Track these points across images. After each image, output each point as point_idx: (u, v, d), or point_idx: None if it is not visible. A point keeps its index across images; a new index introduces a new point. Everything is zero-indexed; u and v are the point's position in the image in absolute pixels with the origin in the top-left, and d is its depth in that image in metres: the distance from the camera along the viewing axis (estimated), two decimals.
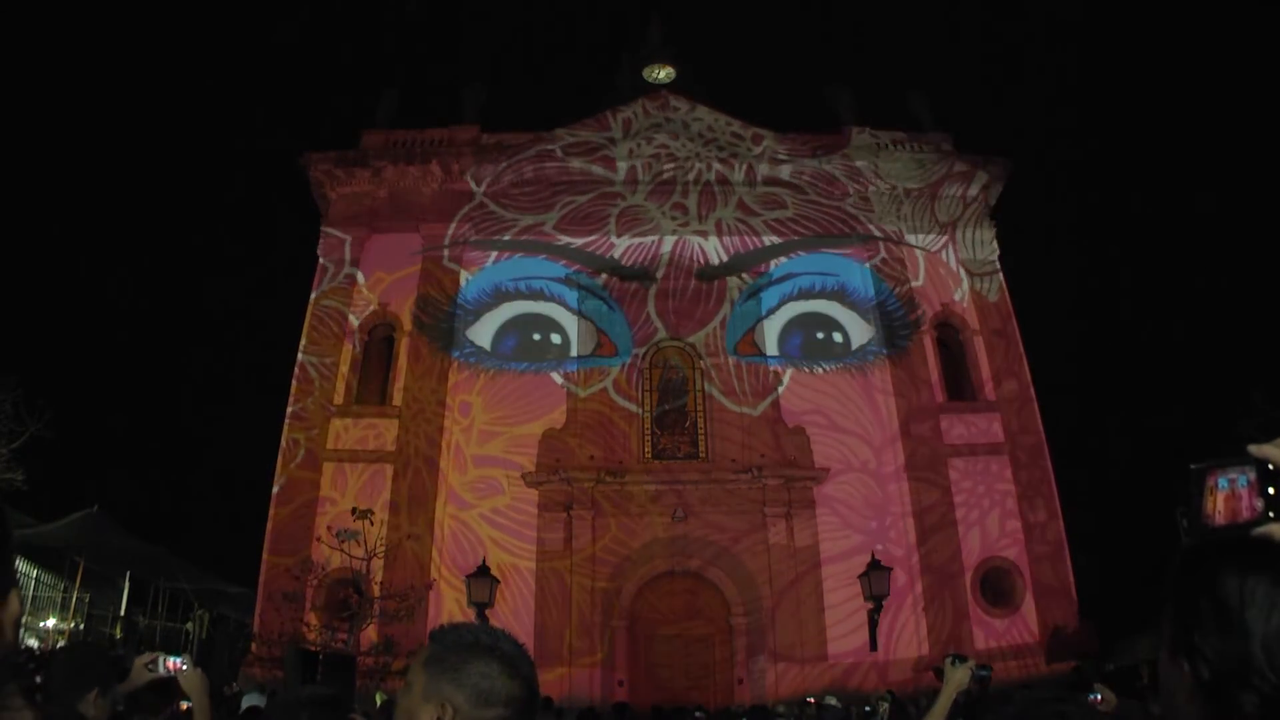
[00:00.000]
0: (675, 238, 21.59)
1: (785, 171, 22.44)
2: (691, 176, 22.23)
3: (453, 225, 21.49)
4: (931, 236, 22.04)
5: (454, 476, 19.24)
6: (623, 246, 21.46)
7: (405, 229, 21.54)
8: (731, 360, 20.35)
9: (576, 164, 22.16)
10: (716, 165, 22.26)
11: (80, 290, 39.19)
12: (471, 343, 20.48)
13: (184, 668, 2.96)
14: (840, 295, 21.20)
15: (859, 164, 22.30)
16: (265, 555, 18.16)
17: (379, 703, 11.90)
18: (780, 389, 20.16)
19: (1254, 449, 1.13)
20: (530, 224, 21.68)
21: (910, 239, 21.88)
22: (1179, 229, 35.70)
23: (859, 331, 20.94)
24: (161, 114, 46.70)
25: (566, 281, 21.05)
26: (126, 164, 43.66)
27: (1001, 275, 21.82)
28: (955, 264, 21.87)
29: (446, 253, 21.23)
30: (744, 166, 22.26)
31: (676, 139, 22.38)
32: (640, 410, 19.97)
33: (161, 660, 2.98)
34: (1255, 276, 31.55)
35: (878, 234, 21.80)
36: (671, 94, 23.25)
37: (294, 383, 19.98)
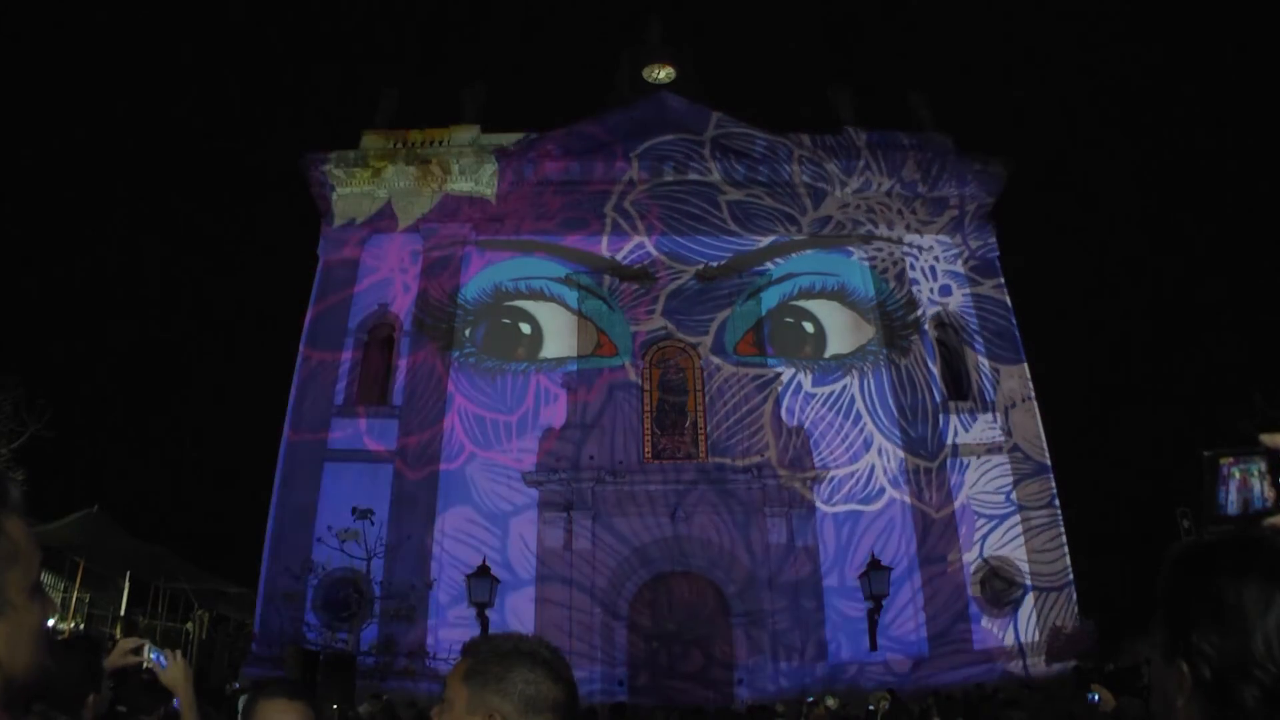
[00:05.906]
0: (674, 237, 21.58)
1: (785, 171, 22.46)
2: (692, 176, 22.23)
3: (453, 225, 21.49)
4: (931, 237, 22.05)
5: (454, 476, 19.22)
6: (621, 246, 21.45)
7: (405, 229, 21.56)
8: (731, 360, 20.35)
9: (576, 164, 22.16)
10: (717, 165, 22.26)
11: (80, 290, 39.20)
12: (471, 342, 20.49)
13: (164, 665, 2.88)
14: (840, 295, 21.20)
15: (859, 164, 22.31)
16: (265, 555, 18.17)
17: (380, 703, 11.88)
18: (780, 389, 20.15)
19: (1266, 438, 1.12)
20: (530, 224, 21.68)
21: (910, 239, 21.88)
22: (1179, 229, 35.73)
23: (859, 331, 20.93)
24: (163, 114, 46.72)
25: (566, 281, 21.05)
26: (127, 163, 43.71)
27: (1001, 275, 21.84)
28: (955, 264, 21.88)
29: (446, 253, 21.23)
30: (743, 166, 22.26)
31: (676, 139, 22.36)
32: (640, 410, 19.96)
33: (148, 648, 2.92)
34: (1256, 277, 31.57)
35: (878, 234, 21.80)
36: (671, 94, 23.24)
37: (294, 382, 19.99)
